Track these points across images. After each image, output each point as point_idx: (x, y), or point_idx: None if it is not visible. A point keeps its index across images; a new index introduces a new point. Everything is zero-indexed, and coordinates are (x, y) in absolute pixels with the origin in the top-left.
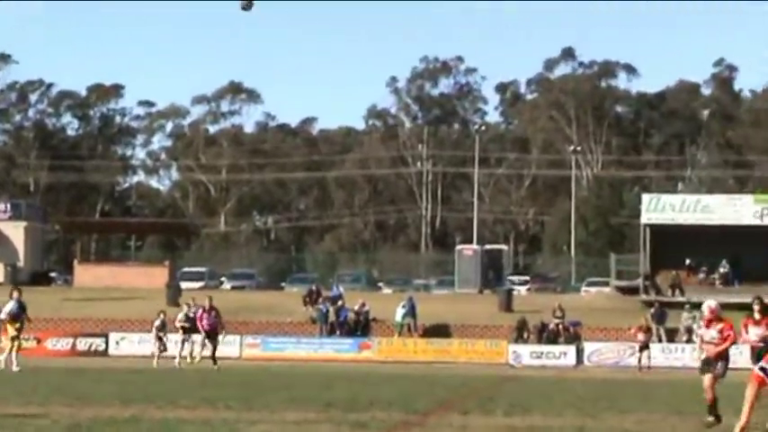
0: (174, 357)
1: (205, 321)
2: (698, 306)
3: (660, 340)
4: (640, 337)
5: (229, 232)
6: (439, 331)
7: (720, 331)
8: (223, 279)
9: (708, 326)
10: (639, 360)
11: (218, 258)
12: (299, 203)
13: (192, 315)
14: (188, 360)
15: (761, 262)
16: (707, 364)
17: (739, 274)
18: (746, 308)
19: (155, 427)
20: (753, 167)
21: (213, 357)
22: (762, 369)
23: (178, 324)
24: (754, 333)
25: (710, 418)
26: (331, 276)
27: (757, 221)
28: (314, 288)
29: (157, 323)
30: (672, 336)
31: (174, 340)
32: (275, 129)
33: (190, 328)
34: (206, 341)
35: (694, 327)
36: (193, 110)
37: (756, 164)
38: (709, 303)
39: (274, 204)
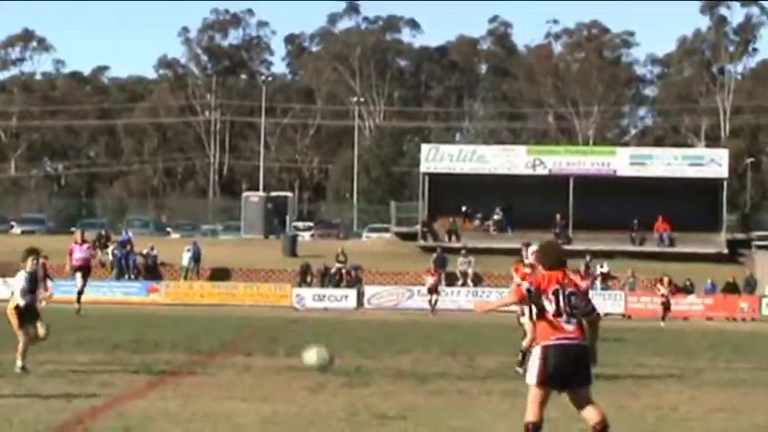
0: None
1: (77, 254)
2: (473, 251)
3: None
4: (430, 280)
5: (20, 177)
6: (220, 275)
7: None
8: (13, 223)
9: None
10: (430, 302)
11: (8, 203)
12: (90, 150)
13: None
14: None
15: (532, 209)
16: None
17: (512, 221)
18: (517, 252)
19: None
20: (526, 120)
21: (79, 295)
22: (527, 290)
23: None
24: None
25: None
26: (120, 221)
27: (529, 171)
28: (103, 232)
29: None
30: (450, 280)
31: None
32: (67, 77)
33: None
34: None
35: (469, 271)
36: None
37: (529, 116)
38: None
39: (65, 151)
